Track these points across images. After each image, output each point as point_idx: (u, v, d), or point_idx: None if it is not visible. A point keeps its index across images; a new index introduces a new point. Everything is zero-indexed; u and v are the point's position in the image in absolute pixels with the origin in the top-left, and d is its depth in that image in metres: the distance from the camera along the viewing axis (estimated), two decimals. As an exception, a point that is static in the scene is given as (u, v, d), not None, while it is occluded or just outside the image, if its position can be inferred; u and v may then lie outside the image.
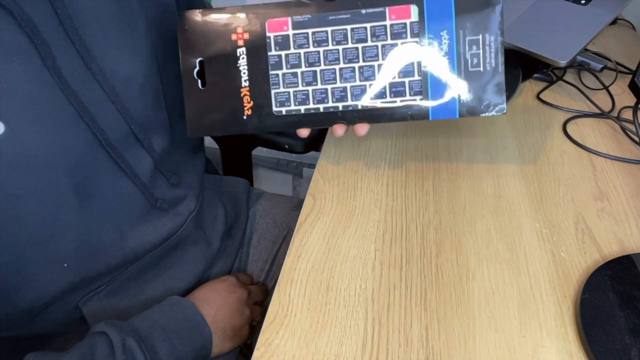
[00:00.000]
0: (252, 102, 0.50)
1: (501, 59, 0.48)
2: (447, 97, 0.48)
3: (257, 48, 0.49)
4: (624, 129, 0.65)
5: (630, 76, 0.72)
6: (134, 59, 0.46)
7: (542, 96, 0.71)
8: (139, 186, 0.49)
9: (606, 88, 0.72)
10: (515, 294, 0.45)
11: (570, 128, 0.65)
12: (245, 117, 0.50)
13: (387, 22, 0.48)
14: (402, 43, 0.48)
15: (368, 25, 0.48)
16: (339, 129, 0.50)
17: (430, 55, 0.48)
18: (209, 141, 0.69)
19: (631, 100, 0.70)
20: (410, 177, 0.58)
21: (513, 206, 0.54)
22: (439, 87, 0.48)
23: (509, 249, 0.49)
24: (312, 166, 1.07)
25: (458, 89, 0.48)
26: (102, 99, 0.44)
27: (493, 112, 0.48)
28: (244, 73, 0.49)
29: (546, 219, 0.52)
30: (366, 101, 0.49)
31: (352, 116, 0.50)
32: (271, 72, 0.49)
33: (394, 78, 0.48)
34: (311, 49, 0.49)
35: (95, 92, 0.43)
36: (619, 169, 0.59)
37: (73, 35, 0.41)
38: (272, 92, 0.49)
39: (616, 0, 0.74)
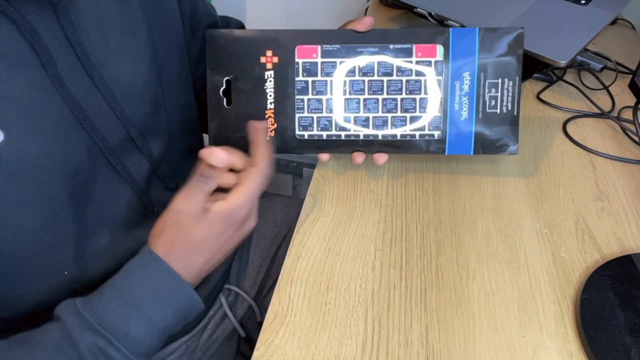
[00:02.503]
0: (275, 124, 0.51)
1: (518, 103, 0.50)
2: (463, 135, 0.51)
3: (285, 72, 0.50)
4: (624, 129, 0.65)
5: (630, 76, 0.72)
6: (134, 65, 0.46)
7: (542, 96, 0.71)
8: (137, 191, 0.49)
9: (606, 88, 0.72)
10: (515, 294, 0.45)
11: (570, 128, 0.65)
12: (267, 138, 0.51)
13: (413, 59, 0.50)
14: (425, 80, 0.50)
15: (395, 60, 0.50)
16: (358, 157, 0.52)
17: (451, 94, 0.50)
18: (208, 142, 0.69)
19: (631, 100, 0.70)
20: (410, 177, 0.58)
21: (513, 206, 0.54)
22: (456, 125, 0.50)
23: (509, 249, 0.49)
24: (312, 166, 1.07)
25: (474, 128, 0.50)
26: (102, 105, 0.44)
27: (506, 153, 0.51)
28: (270, 95, 0.50)
29: (546, 219, 0.52)
30: (386, 132, 0.51)
31: (372, 146, 0.51)
32: (297, 97, 0.50)
33: (414, 112, 0.50)
34: (338, 77, 0.50)
35: (95, 99, 0.43)
36: (619, 169, 0.59)
37: (74, 42, 0.41)
38: (297, 116, 0.51)
39: (616, 0, 0.74)
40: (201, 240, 0.43)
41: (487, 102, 0.50)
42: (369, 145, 0.51)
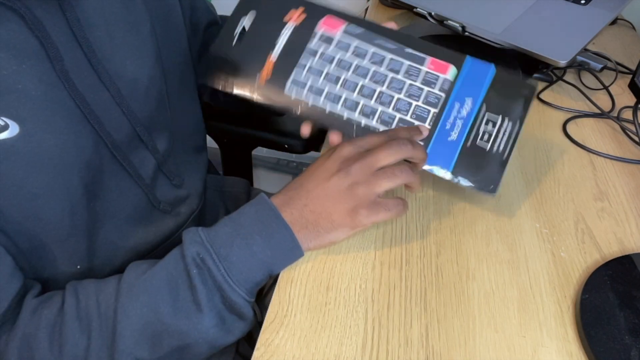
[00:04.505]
0: (271, 74, 0.51)
1: (512, 147, 0.48)
2: (445, 155, 0.49)
3: (303, 32, 0.51)
4: (624, 129, 0.65)
5: (630, 76, 0.72)
6: (139, 61, 0.46)
7: (542, 96, 0.71)
8: (143, 187, 0.49)
9: (606, 88, 0.72)
10: (515, 294, 0.45)
11: (570, 128, 0.65)
12: (256, 84, 0.51)
13: (424, 69, 0.50)
14: (428, 90, 0.50)
15: (406, 62, 0.50)
16: (335, 136, 0.50)
17: (447, 111, 0.49)
18: (209, 141, 0.69)
19: (631, 100, 0.70)
20: (410, 177, 0.57)
21: (513, 206, 0.54)
22: (442, 143, 0.49)
23: (509, 249, 0.49)
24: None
25: (458, 154, 0.49)
26: (108, 101, 0.44)
27: (482, 191, 0.48)
28: (279, 48, 0.51)
29: (546, 219, 0.52)
30: (370, 123, 0.50)
31: (350, 128, 0.50)
32: (303, 55, 0.51)
33: (405, 115, 0.50)
34: (348, 55, 0.51)
35: (101, 94, 0.43)
36: (619, 169, 0.59)
37: (81, 38, 0.41)
38: (293, 72, 0.51)
39: (616, 0, 0.74)
40: (309, 174, 0.46)
41: (480, 134, 0.48)
42: (348, 127, 0.50)
